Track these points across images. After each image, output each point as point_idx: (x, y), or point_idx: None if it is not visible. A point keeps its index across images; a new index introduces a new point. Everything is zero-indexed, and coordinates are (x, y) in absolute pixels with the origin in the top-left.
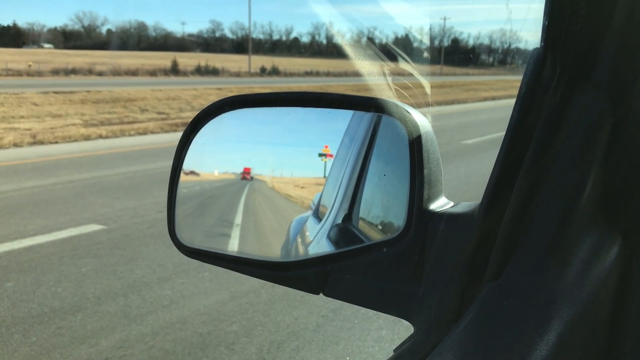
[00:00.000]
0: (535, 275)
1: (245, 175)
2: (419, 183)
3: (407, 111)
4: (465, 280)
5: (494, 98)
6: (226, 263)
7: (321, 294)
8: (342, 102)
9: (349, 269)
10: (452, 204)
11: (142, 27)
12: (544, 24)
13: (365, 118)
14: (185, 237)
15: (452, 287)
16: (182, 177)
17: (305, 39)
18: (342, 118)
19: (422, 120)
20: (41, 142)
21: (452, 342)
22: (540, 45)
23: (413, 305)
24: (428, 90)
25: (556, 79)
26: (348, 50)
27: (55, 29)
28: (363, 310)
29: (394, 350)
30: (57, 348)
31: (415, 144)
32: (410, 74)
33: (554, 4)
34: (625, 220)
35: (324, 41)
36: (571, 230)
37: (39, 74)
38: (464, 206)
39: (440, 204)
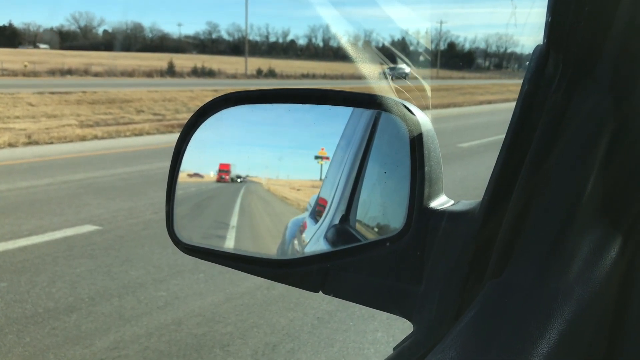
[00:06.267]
0: (536, 273)
1: (223, 174)
2: (419, 181)
3: (408, 109)
4: (466, 279)
5: (489, 102)
6: (224, 260)
7: (320, 292)
8: (345, 99)
9: (349, 267)
10: (452, 202)
11: (138, 28)
12: (546, 21)
13: (363, 118)
14: (184, 234)
15: (453, 285)
16: (181, 179)
17: (302, 42)
18: (339, 118)
19: (423, 118)
20: (36, 143)
21: (452, 340)
22: (543, 42)
23: (413, 304)
24: (428, 92)
25: (558, 77)
26: (348, 51)
27: (51, 30)
28: (358, 312)
29: (394, 349)
30: (51, 349)
31: (417, 141)
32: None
33: (557, 0)
34: (627, 219)
35: (321, 44)
36: (573, 229)
37: (35, 74)
38: (465, 204)
39: (440, 202)
